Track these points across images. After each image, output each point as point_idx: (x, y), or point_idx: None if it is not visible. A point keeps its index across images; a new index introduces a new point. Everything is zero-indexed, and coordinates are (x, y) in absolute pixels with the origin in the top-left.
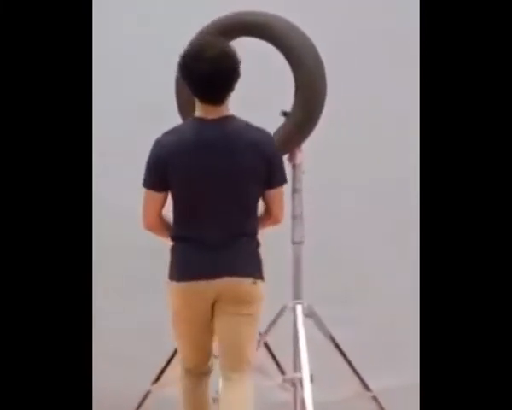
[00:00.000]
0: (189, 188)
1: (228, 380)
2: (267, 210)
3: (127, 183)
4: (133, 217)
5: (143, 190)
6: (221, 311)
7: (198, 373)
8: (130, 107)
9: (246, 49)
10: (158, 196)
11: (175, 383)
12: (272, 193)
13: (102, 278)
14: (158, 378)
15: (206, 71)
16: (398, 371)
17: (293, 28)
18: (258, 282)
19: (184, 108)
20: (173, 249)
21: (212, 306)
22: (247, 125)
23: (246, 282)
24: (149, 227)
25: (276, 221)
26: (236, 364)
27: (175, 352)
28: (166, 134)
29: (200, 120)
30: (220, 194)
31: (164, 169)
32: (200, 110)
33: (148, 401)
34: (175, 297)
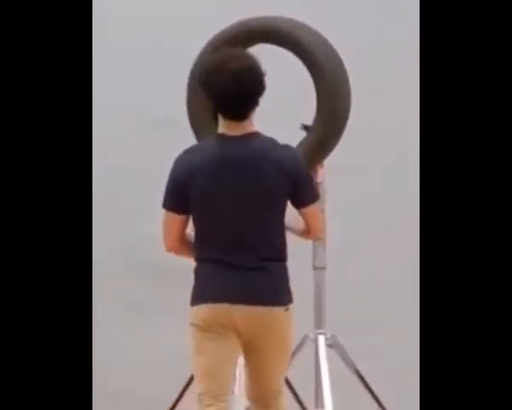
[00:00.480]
0: (210, 210)
1: None
2: (306, 227)
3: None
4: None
5: (163, 211)
6: (252, 346)
7: (214, 400)
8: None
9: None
10: (178, 218)
11: None
12: (305, 211)
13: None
14: None
15: (230, 85)
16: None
17: (318, 36)
18: (290, 307)
19: (198, 123)
20: (197, 272)
21: (240, 336)
22: (273, 143)
23: (277, 311)
24: (171, 250)
25: (316, 237)
26: (268, 399)
27: (186, 386)
28: (187, 152)
29: (223, 137)
30: (245, 216)
31: (184, 190)
32: (223, 126)
33: None
34: (198, 319)
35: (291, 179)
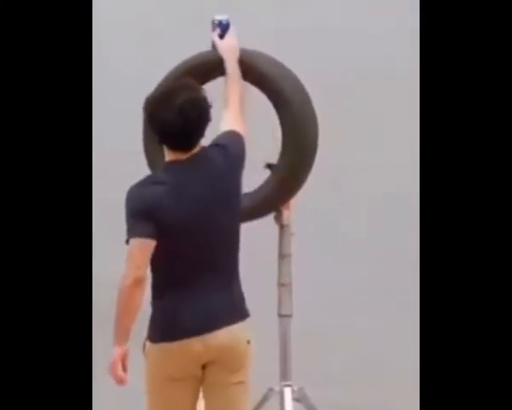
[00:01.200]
0: (178, 235)
1: None
2: None
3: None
4: None
5: (128, 246)
6: (213, 379)
7: None
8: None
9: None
10: (151, 243)
11: None
12: None
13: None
14: None
15: (173, 120)
16: None
17: (280, 67)
18: (251, 340)
19: (151, 154)
20: (158, 304)
21: (203, 368)
22: (213, 148)
23: (241, 342)
24: (140, 282)
25: None
26: None
27: None
28: (141, 185)
29: (173, 163)
30: (213, 236)
31: (150, 218)
32: (169, 155)
33: None
34: (156, 359)
35: (235, 159)
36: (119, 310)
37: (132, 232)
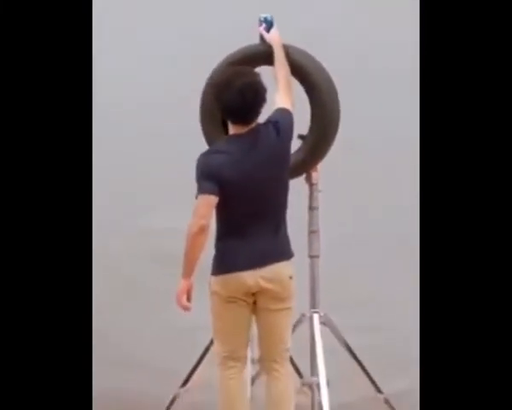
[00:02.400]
0: (235, 192)
1: (273, 371)
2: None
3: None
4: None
5: (198, 199)
6: (261, 305)
7: (236, 360)
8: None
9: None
10: (214, 199)
11: (201, 386)
12: None
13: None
14: (186, 382)
15: (235, 101)
16: (407, 375)
17: (310, 59)
18: (292, 276)
19: (209, 131)
20: (220, 246)
21: (253, 296)
22: (267, 123)
23: (285, 277)
24: (202, 230)
25: None
26: (279, 356)
27: (201, 357)
28: (210, 152)
29: (234, 136)
30: (264, 193)
31: (215, 179)
32: (232, 129)
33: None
34: (218, 288)
35: (286, 135)
36: (187, 251)
37: (199, 190)
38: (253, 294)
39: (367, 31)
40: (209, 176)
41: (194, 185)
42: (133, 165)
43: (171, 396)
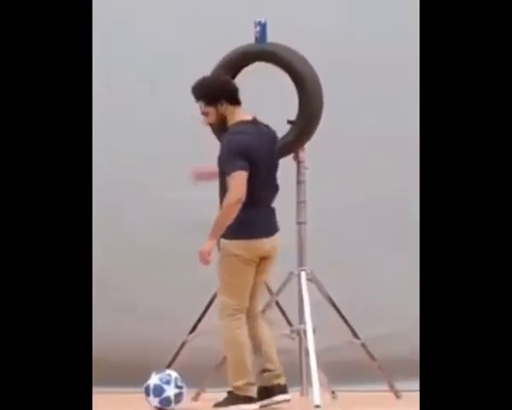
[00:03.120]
0: (258, 168)
1: (260, 320)
2: None
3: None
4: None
5: (233, 176)
6: (263, 268)
7: (242, 312)
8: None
9: (264, 72)
10: (246, 174)
11: (206, 333)
12: None
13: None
14: (193, 329)
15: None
16: (380, 322)
17: (297, 55)
18: None
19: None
20: (245, 214)
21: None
22: None
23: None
24: (239, 202)
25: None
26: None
27: (207, 307)
28: (239, 133)
29: (247, 122)
30: (272, 169)
31: (248, 156)
32: (237, 113)
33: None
34: (238, 251)
35: None
36: (223, 218)
37: (236, 167)
38: (262, 258)
39: (362, 17)
40: (242, 155)
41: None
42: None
43: (179, 342)
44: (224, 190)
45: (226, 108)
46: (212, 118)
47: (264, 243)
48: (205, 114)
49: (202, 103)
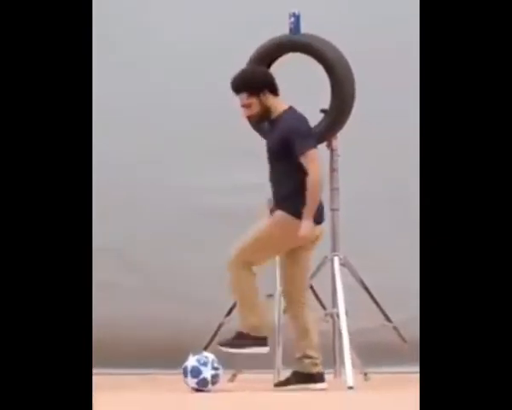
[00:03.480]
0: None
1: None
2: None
3: None
4: None
5: (310, 153)
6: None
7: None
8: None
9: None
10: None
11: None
12: None
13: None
14: (229, 312)
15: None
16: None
17: (331, 47)
18: None
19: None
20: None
21: None
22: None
23: None
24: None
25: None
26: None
27: None
28: (302, 118)
29: (291, 108)
30: None
31: (314, 137)
32: (279, 102)
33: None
34: (296, 229)
35: None
36: (316, 194)
37: (310, 145)
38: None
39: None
40: (312, 135)
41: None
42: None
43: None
44: (278, 174)
45: (268, 99)
46: (256, 109)
47: (315, 230)
48: (246, 105)
49: (244, 95)
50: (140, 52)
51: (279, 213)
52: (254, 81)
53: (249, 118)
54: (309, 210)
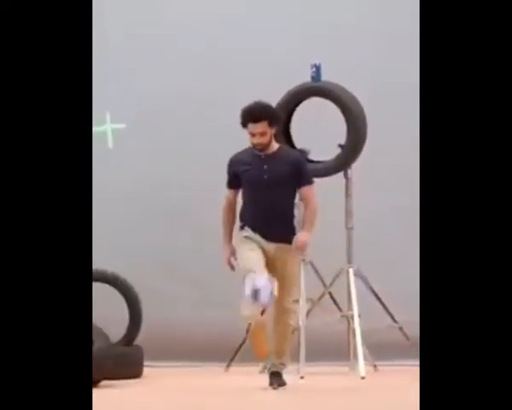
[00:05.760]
0: None
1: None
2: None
3: None
4: None
5: (313, 185)
6: None
7: None
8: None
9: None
10: None
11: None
12: None
13: None
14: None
15: None
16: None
17: (346, 92)
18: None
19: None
20: None
21: None
22: None
23: None
24: None
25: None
26: None
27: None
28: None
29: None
30: None
31: None
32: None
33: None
34: None
35: None
36: (314, 219)
37: (312, 179)
38: None
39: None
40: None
41: None
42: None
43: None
44: (278, 201)
45: (273, 133)
46: (267, 138)
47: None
48: (263, 134)
49: (265, 123)
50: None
51: (294, 252)
52: (275, 114)
53: (259, 145)
54: (310, 227)
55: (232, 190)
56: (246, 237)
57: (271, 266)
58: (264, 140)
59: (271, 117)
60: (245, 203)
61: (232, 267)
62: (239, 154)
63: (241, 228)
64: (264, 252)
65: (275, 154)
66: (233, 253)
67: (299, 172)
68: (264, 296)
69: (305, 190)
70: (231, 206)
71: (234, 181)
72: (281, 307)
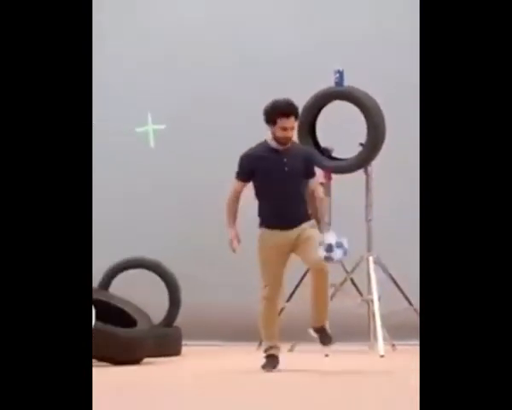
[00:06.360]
0: None
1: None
2: None
3: None
4: None
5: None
6: None
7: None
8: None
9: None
10: None
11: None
12: None
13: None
14: (290, 298)
15: None
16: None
17: (367, 95)
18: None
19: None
20: None
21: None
22: None
23: None
24: None
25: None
26: None
27: (301, 280)
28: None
29: None
30: None
31: None
32: None
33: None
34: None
35: None
36: (325, 208)
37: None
38: None
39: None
40: None
41: None
42: None
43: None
44: (295, 193)
45: None
46: (293, 133)
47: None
48: (293, 128)
49: (294, 118)
50: None
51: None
52: (298, 110)
53: (288, 139)
54: (323, 217)
55: (241, 183)
56: (263, 243)
57: (296, 246)
58: (292, 134)
59: (297, 113)
60: (263, 198)
61: (234, 250)
62: (253, 149)
63: (260, 226)
64: (284, 248)
65: (290, 148)
66: (237, 236)
67: (311, 165)
68: (339, 254)
69: (313, 181)
70: (237, 197)
71: (246, 175)
72: (314, 264)
